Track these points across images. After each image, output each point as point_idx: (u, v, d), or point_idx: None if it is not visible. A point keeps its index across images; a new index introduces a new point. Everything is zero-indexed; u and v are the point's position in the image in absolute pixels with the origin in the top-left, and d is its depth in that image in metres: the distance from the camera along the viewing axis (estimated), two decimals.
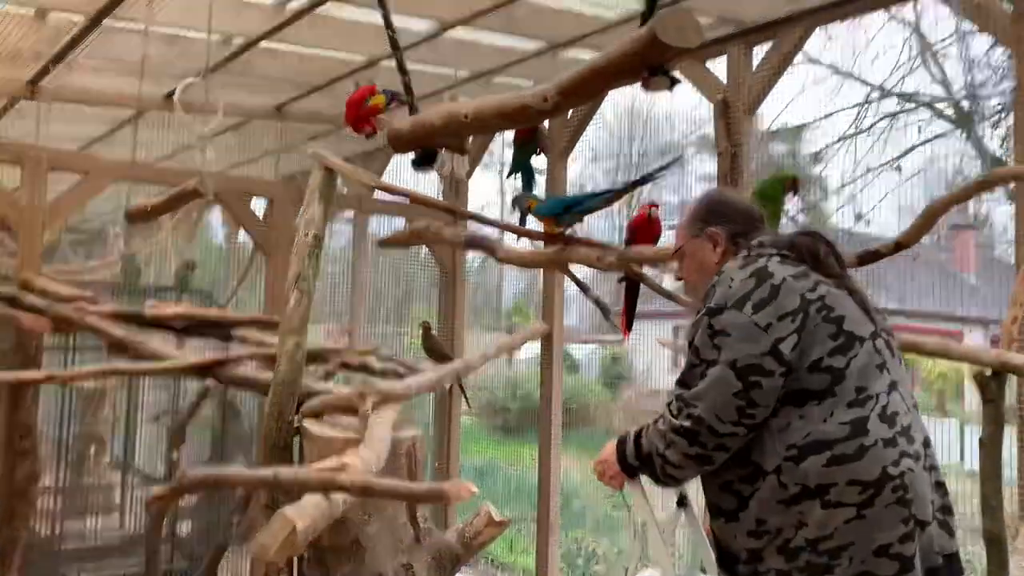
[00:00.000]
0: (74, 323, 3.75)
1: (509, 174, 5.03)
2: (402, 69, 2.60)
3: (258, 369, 4.32)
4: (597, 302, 3.74)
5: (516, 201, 3.79)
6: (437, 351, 4.81)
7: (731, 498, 1.89)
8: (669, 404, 1.94)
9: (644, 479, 2.14)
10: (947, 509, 1.85)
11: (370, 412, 3.07)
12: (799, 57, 4.12)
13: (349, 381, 5.44)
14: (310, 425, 3.16)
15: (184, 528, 5.56)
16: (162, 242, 7.36)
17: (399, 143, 2.49)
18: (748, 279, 1.89)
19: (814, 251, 1.97)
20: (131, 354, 3.79)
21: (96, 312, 3.83)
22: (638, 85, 2.18)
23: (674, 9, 1.47)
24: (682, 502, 2.41)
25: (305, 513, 1.71)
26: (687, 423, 1.85)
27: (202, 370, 3.68)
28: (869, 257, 2.65)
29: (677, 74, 1.90)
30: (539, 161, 5.33)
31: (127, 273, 5.08)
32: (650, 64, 1.47)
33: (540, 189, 5.32)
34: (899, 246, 2.61)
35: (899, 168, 7.18)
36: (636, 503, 2.21)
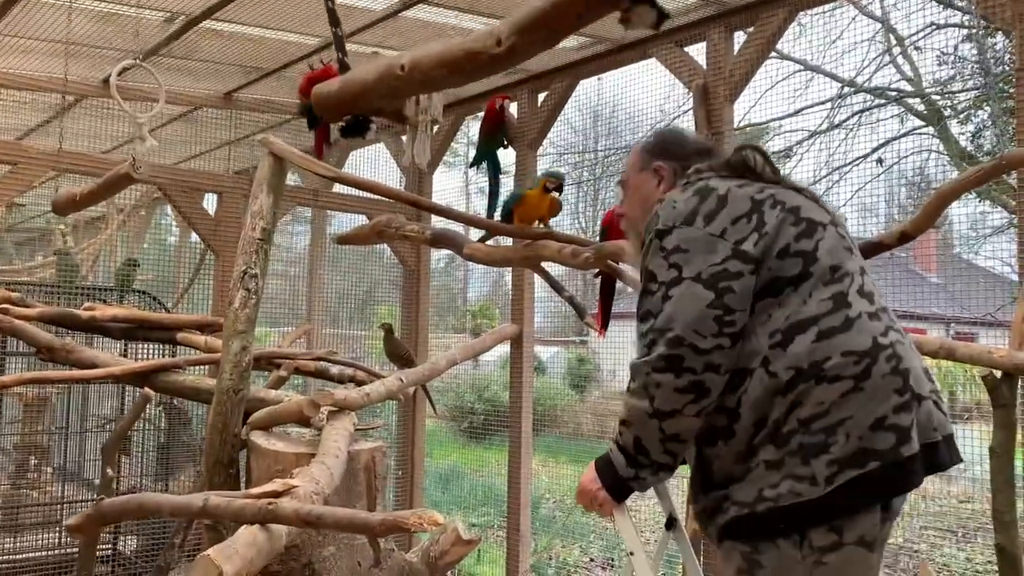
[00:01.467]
0: None
1: (472, 164, 4.76)
2: (334, 20, 2.27)
3: (203, 375, 4.01)
4: (571, 301, 3.49)
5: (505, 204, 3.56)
6: (400, 355, 4.54)
7: (720, 416, 1.75)
8: (641, 351, 1.77)
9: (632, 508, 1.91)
10: (937, 393, 1.77)
11: (324, 422, 2.81)
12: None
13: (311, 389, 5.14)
14: (257, 438, 2.88)
15: (128, 545, 5.22)
16: (108, 240, 6.99)
17: (326, 107, 2.13)
18: (692, 197, 1.83)
19: (750, 164, 1.92)
20: (63, 360, 3.45)
21: (24, 315, 3.48)
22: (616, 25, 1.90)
23: None
24: (671, 524, 2.19)
25: (235, 554, 1.42)
26: (665, 350, 1.70)
27: (139, 377, 3.35)
28: (872, 249, 2.42)
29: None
30: (506, 155, 5.10)
31: (62, 272, 4.71)
32: None
33: (507, 182, 5.07)
34: (905, 236, 2.38)
35: (880, 161, 7.05)
36: (622, 529, 1.97)
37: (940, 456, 1.71)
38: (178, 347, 4.16)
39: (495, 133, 4.35)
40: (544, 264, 3.68)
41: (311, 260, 6.38)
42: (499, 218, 3.62)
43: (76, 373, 3.34)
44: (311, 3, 3.98)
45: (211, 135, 5.64)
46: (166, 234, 10.25)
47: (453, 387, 12.80)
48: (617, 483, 1.85)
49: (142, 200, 6.79)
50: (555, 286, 3.56)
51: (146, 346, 4.54)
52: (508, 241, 4.26)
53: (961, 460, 1.76)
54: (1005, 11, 3.01)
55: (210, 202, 5.20)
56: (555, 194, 3.48)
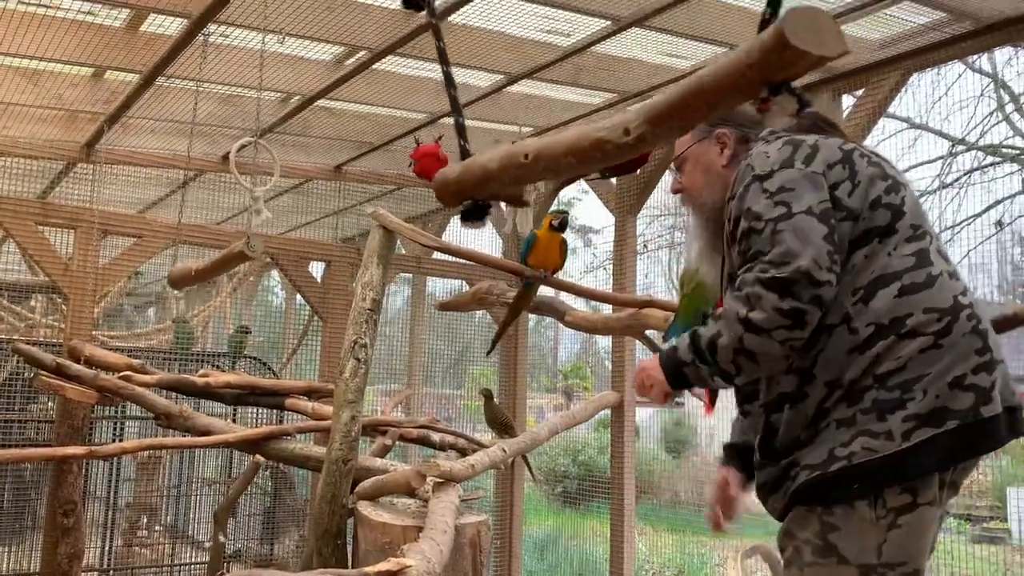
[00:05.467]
0: (121, 394, 3.56)
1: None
2: (456, 108, 2.30)
3: (311, 443, 4.08)
4: None
5: None
6: (500, 421, 4.52)
7: (792, 377, 1.71)
8: (747, 278, 1.66)
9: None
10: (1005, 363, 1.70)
11: (429, 494, 2.80)
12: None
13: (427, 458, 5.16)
14: (365, 508, 2.89)
15: None
16: (219, 306, 7.28)
17: (445, 193, 2.12)
18: (784, 147, 1.77)
19: (821, 126, 1.89)
20: (180, 426, 3.58)
21: (144, 382, 3.64)
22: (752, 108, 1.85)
23: (807, 6, 1.14)
24: None
25: None
26: (781, 275, 1.61)
27: (250, 444, 3.44)
28: (1006, 323, 2.29)
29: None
30: (604, 219, 5.07)
31: (179, 339, 4.92)
32: (774, 77, 1.14)
33: (606, 248, 5.04)
34: None
35: (1000, 223, 6.76)
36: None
37: (1022, 422, 1.66)
38: (285, 412, 4.26)
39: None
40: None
41: (410, 321, 6.48)
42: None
43: (192, 440, 3.45)
44: (415, 81, 4.14)
45: (320, 205, 5.86)
46: (272, 296, 10.63)
47: (546, 450, 12.67)
48: (673, 365, 1.77)
49: (252, 267, 7.07)
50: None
51: (254, 410, 4.67)
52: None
53: None
54: None
55: (316, 269, 5.37)
56: (561, 234, 3.46)
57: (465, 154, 2.14)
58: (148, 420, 4.65)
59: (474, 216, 2.17)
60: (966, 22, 3.43)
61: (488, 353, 4.14)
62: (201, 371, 4.04)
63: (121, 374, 3.64)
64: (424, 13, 2.26)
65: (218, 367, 5.05)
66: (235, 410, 4.70)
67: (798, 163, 1.72)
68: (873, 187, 1.72)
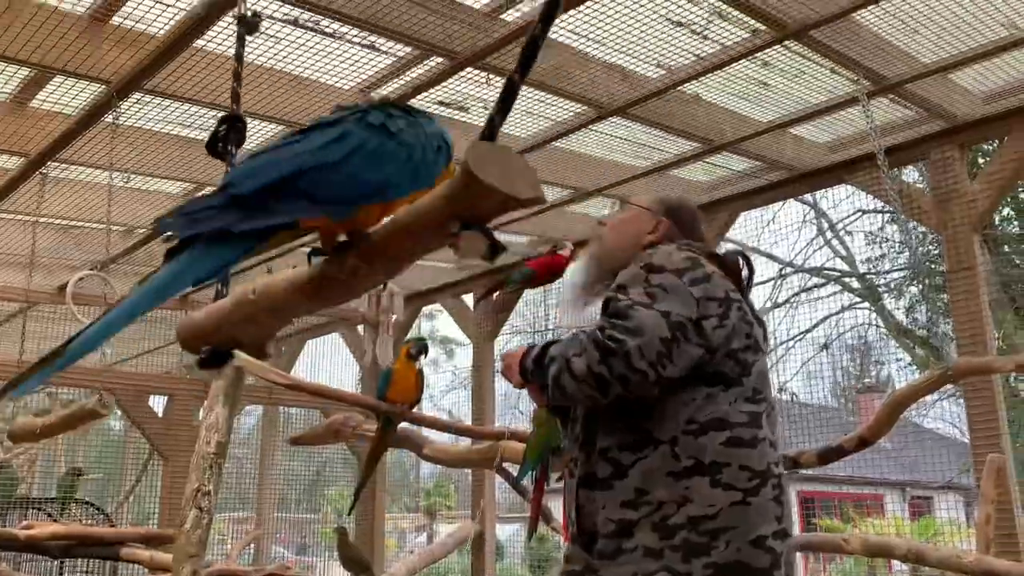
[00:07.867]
0: None
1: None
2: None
3: None
4: (538, 507, 3.42)
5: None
6: (356, 560, 4.35)
7: (607, 466, 1.81)
8: (590, 328, 1.80)
9: None
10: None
11: None
12: None
13: None
14: None
15: None
16: (49, 440, 6.74)
17: (191, 339, 2.02)
18: (685, 260, 1.91)
19: (736, 270, 2.01)
20: None
21: None
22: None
23: (498, 146, 1.21)
24: None
25: None
26: (610, 343, 1.74)
27: None
28: (832, 454, 2.47)
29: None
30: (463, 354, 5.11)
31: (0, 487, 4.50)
32: (464, 215, 1.20)
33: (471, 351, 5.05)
34: (863, 442, 2.44)
35: (826, 346, 7.30)
36: None
37: None
38: (120, 562, 3.94)
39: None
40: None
41: (261, 444, 6.21)
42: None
43: None
44: None
45: (164, 332, 5.61)
46: (112, 419, 9.90)
47: None
48: (524, 365, 1.91)
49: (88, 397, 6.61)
50: (518, 490, 3.50)
51: (86, 563, 4.29)
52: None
53: None
54: (931, 218, 3.24)
55: (158, 402, 5.11)
56: (419, 364, 3.47)
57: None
58: None
59: (212, 362, 2.10)
60: (781, 170, 3.81)
61: (349, 511, 4.02)
62: (24, 522, 3.71)
63: None
64: None
65: (46, 512, 4.65)
66: (63, 564, 4.29)
67: (686, 279, 1.85)
68: (736, 338, 1.85)
